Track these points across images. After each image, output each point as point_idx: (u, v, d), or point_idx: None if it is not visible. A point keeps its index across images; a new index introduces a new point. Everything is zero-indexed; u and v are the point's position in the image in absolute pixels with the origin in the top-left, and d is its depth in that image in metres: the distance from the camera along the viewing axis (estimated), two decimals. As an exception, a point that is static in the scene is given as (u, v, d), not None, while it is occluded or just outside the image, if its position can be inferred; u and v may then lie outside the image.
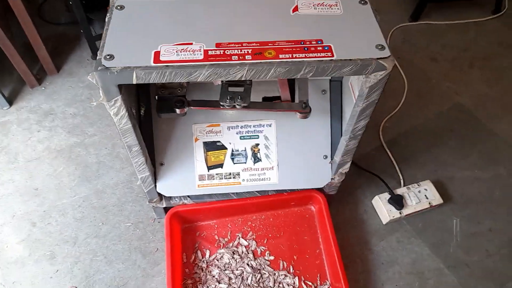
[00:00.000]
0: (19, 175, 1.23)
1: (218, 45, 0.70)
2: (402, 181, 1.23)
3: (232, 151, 1.00)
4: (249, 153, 1.01)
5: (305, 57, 0.69)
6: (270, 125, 1.01)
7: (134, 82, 0.67)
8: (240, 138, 1.01)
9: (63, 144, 1.31)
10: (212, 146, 1.00)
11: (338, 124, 1.00)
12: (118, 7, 0.75)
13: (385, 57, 0.69)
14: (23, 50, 1.41)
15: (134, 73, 0.66)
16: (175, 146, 0.99)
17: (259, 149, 1.01)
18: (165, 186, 0.99)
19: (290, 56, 0.69)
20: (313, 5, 0.77)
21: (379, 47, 0.70)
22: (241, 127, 1.01)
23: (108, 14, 0.74)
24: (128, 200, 1.19)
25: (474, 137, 1.37)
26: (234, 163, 1.01)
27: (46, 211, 1.16)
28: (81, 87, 1.48)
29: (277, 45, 0.70)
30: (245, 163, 1.01)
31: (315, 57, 0.68)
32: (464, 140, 1.36)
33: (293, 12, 0.76)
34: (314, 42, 0.71)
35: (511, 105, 1.47)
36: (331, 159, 1.00)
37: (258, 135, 1.01)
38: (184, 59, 0.67)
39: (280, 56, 0.69)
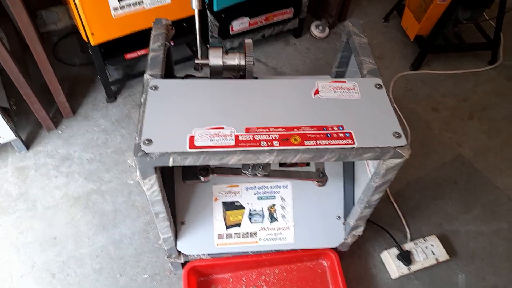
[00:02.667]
0: (38, 223, 1.26)
1: (247, 129, 0.75)
2: (409, 235, 1.28)
3: (250, 211, 1.05)
4: (266, 213, 1.05)
5: (328, 144, 0.74)
6: (286, 187, 1.06)
7: (170, 165, 0.72)
8: (258, 199, 1.06)
9: (80, 191, 1.35)
10: (230, 206, 1.05)
11: (350, 186, 1.05)
12: (153, 88, 0.81)
13: (402, 146, 0.75)
14: (39, 92, 1.45)
15: (171, 158, 0.71)
16: (196, 205, 1.04)
17: (275, 209, 1.06)
18: (185, 245, 1.03)
19: (315, 143, 0.74)
20: (333, 89, 0.84)
21: (396, 135, 0.76)
22: (259, 188, 1.06)
23: (143, 95, 0.80)
24: (145, 251, 1.22)
25: (476, 190, 1.43)
26: (251, 223, 1.05)
27: (65, 261, 1.18)
28: (97, 132, 1.52)
29: (302, 131, 0.76)
30: (262, 222, 1.05)
31: (338, 144, 0.74)
32: (467, 192, 1.42)
33: (314, 95, 0.82)
34: (336, 128, 0.77)
35: (511, 158, 1.54)
36: (344, 220, 1.05)
37: (275, 196, 1.06)
38: (217, 144, 0.73)
39: (305, 142, 0.74)
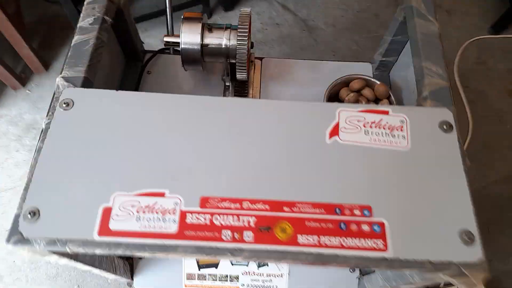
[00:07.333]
0: (-8, 210, 1.07)
1: (203, 201, 0.44)
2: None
3: (232, 250, 0.78)
4: (253, 255, 0.78)
5: (341, 246, 0.42)
6: (284, 225, 0.77)
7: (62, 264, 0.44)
8: (243, 236, 0.78)
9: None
10: (206, 241, 0.78)
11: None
12: (64, 105, 0.49)
13: (474, 263, 0.42)
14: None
15: (67, 249, 0.42)
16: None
17: (266, 252, 0.78)
18: (144, 282, 0.80)
19: (316, 242, 0.42)
20: (364, 125, 0.48)
21: (466, 237, 0.43)
22: (246, 222, 0.77)
23: (47, 116, 0.49)
24: None
25: (548, 217, 1.07)
26: (232, 264, 0.79)
27: None
28: (71, 94, 1.24)
29: (297, 212, 0.44)
30: (247, 265, 0.79)
31: (356, 248, 0.42)
32: (535, 220, 1.07)
33: (330, 137, 0.48)
34: (358, 212, 0.44)
35: None
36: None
37: (266, 235, 0.77)
38: (147, 231, 0.43)
39: (299, 239, 0.43)
